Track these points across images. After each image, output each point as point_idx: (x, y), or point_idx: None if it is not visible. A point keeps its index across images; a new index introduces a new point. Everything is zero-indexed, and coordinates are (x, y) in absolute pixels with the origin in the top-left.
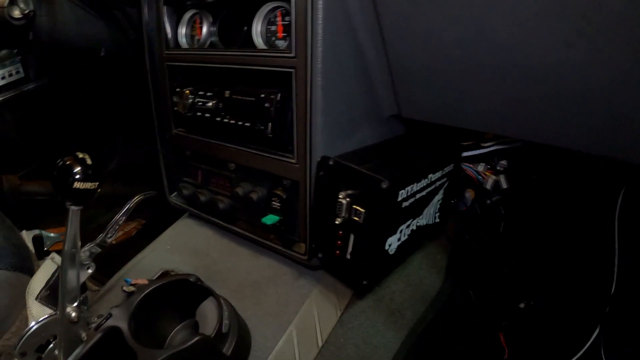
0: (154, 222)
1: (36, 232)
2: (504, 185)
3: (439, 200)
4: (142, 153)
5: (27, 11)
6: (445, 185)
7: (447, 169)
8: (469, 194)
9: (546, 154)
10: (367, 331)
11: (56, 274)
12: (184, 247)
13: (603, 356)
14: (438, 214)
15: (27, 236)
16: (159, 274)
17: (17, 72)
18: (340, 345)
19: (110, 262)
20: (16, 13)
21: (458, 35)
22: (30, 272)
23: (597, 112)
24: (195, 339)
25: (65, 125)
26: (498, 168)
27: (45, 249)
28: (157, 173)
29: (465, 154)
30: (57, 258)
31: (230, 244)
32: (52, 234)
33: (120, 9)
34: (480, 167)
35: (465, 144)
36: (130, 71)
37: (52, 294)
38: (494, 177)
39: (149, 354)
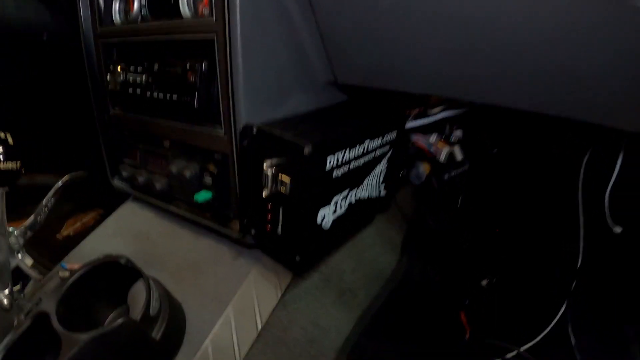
0: (111, 210)
1: None
2: (459, 157)
3: (381, 171)
4: (84, 137)
5: None
6: (389, 154)
7: (388, 137)
8: (423, 168)
9: (503, 123)
10: (315, 312)
11: None
12: (126, 231)
13: (571, 332)
14: (383, 185)
15: None
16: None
17: None
18: (284, 328)
19: (67, 254)
20: None
21: None
22: None
23: (542, 66)
24: (119, 321)
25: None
26: (452, 139)
27: None
28: (99, 156)
29: (411, 124)
30: None
31: (172, 226)
32: (10, 229)
33: None
34: (433, 138)
35: (411, 112)
36: (69, 53)
37: None
38: (447, 148)
39: (72, 338)
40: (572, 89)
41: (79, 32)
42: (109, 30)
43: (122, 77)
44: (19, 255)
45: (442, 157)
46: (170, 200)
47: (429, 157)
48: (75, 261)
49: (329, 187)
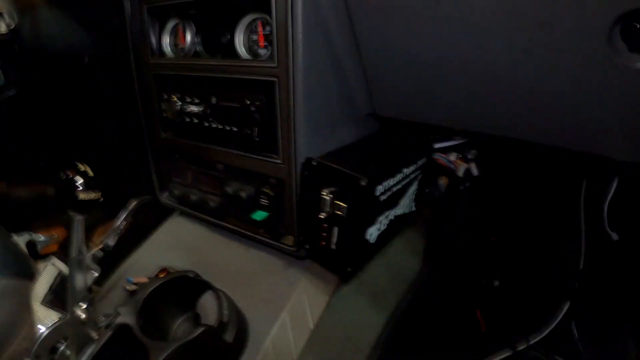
0: (140, 220)
1: (25, 234)
2: (475, 172)
3: (414, 191)
4: (130, 156)
5: (13, 26)
6: (419, 177)
7: (420, 162)
8: (443, 182)
9: (512, 144)
10: (353, 313)
11: (58, 278)
12: (177, 244)
13: (574, 328)
14: (414, 203)
15: (17, 240)
16: (157, 271)
17: None
18: (329, 327)
19: (105, 262)
20: (2, 28)
21: (428, 45)
22: (31, 277)
23: (552, 110)
24: (201, 329)
25: (51, 130)
26: (469, 157)
27: (38, 252)
28: (147, 175)
29: (437, 145)
30: (58, 262)
31: (221, 239)
32: (42, 238)
33: (105, 18)
34: (452, 157)
35: (435, 137)
36: (114, 77)
37: (56, 297)
38: (465, 165)
39: (159, 347)
40: (578, 127)
41: (126, 58)
42: (161, 63)
43: (178, 106)
44: (94, 275)
45: (461, 172)
46: (221, 217)
47: (448, 172)
48: (132, 273)
49: (376, 210)
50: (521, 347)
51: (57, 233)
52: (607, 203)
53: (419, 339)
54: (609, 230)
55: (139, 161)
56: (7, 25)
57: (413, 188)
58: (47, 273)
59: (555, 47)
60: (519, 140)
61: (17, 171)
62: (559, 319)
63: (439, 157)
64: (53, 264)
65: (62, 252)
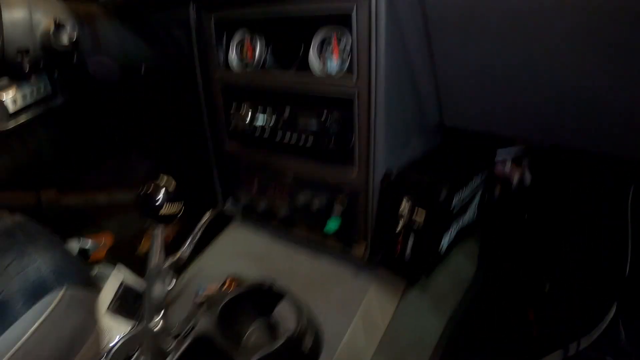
0: (186, 226)
1: (74, 241)
2: (528, 179)
3: (477, 201)
4: (193, 165)
5: (74, 39)
6: (483, 186)
7: (485, 174)
8: (497, 189)
9: (562, 153)
10: (417, 318)
11: (122, 286)
12: (242, 252)
13: (622, 330)
14: (476, 212)
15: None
16: (225, 279)
17: (45, 88)
18: (397, 332)
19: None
20: (64, 40)
21: (503, 62)
22: (93, 285)
23: (623, 124)
24: (284, 338)
25: (100, 138)
26: (523, 165)
27: (87, 259)
28: (210, 183)
29: (498, 157)
30: (123, 269)
31: (287, 248)
32: (88, 243)
33: (168, 30)
34: (508, 166)
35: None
36: (173, 88)
37: (122, 305)
38: (519, 173)
39: (245, 355)
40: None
41: (188, 69)
42: (231, 75)
43: (248, 118)
44: (172, 284)
45: (515, 180)
46: (290, 226)
47: (502, 180)
48: (197, 281)
49: (450, 219)
50: (572, 351)
51: (104, 238)
52: None
53: (475, 341)
54: None
55: (204, 171)
56: (69, 38)
57: (477, 198)
58: (112, 282)
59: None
60: (577, 150)
61: (69, 179)
62: (607, 322)
63: (496, 165)
64: (117, 273)
65: (109, 258)
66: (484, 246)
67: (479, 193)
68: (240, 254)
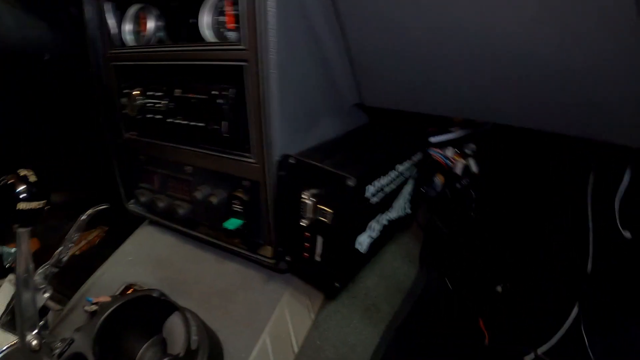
0: (117, 228)
1: None
2: (474, 169)
3: (409, 191)
4: (93, 160)
5: None
6: (415, 175)
7: (415, 158)
8: (438, 180)
9: (514, 137)
10: (344, 330)
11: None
12: (146, 257)
13: (584, 334)
14: (409, 204)
15: None
16: (121, 288)
17: None
18: (317, 348)
19: (75, 275)
20: None
21: (422, 18)
22: None
23: (566, 94)
24: (168, 358)
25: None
26: (467, 152)
27: (7, 265)
28: (112, 180)
29: (433, 139)
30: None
31: (194, 251)
32: (12, 250)
33: (61, 8)
34: (449, 152)
35: (431, 129)
36: (76, 74)
37: (13, 319)
38: (463, 161)
39: None
40: (590, 113)
41: (87, 53)
42: (122, 53)
43: (139, 101)
44: (45, 295)
45: (459, 169)
46: (193, 226)
47: (445, 169)
48: (96, 291)
49: (367, 214)
50: (529, 358)
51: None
52: (618, 198)
53: (417, 353)
54: (621, 227)
55: (103, 166)
56: None
57: (408, 187)
58: (3, 291)
59: (572, 14)
60: (522, 129)
61: None
62: (568, 325)
63: (434, 153)
64: (10, 281)
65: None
66: (426, 246)
67: (411, 183)
68: (144, 259)
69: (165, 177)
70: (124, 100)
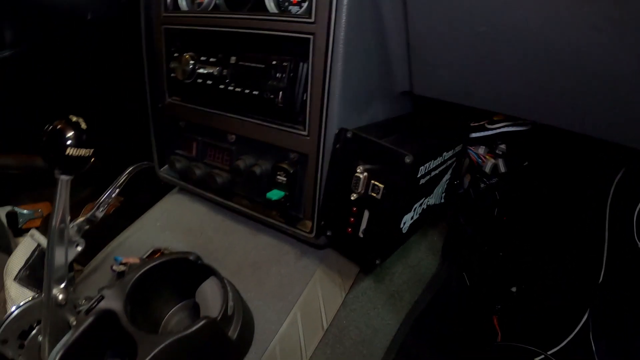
0: (134, 197)
1: (8, 208)
2: (502, 169)
3: (446, 180)
4: (130, 123)
5: None
6: (454, 165)
7: (457, 149)
8: (466, 177)
9: (544, 141)
10: (368, 313)
11: (36, 253)
12: (175, 224)
13: (592, 340)
14: (444, 194)
15: None
16: (149, 252)
17: None
18: (343, 328)
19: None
20: None
21: (485, 11)
22: (8, 250)
23: (617, 99)
24: (202, 322)
25: (45, 94)
26: (497, 152)
27: (19, 226)
28: (147, 145)
29: (472, 135)
30: (37, 235)
31: (227, 221)
32: (25, 211)
33: None
34: (481, 150)
35: (473, 124)
36: (120, 36)
37: (32, 274)
38: (493, 160)
39: (150, 340)
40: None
41: (136, 14)
42: (177, 17)
43: (191, 65)
44: (78, 249)
45: (488, 168)
46: (228, 196)
47: (475, 166)
48: (122, 252)
49: (415, 195)
50: (538, 358)
51: (42, 208)
52: (638, 209)
53: (433, 344)
54: (637, 240)
55: (140, 129)
56: None
57: (447, 177)
58: (24, 246)
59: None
60: (554, 136)
61: (7, 140)
62: (577, 330)
63: (468, 150)
64: (32, 236)
65: (45, 228)
66: (449, 240)
67: (449, 172)
68: (173, 225)
69: (205, 145)
70: (174, 64)
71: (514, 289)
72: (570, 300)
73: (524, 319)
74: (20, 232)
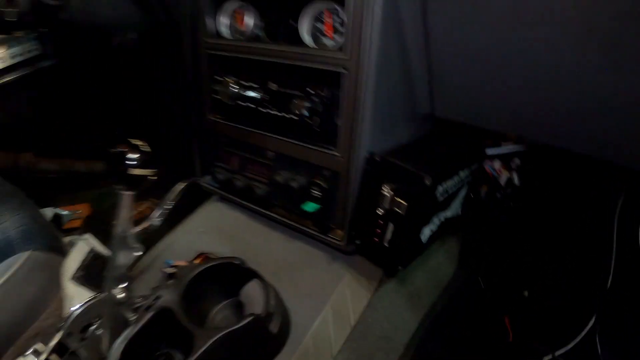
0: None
1: (49, 209)
2: (516, 181)
3: (463, 195)
4: (176, 137)
5: None
6: (470, 182)
7: (473, 167)
8: (483, 189)
9: (555, 158)
10: (391, 313)
11: (90, 255)
12: (216, 229)
13: (598, 344)
14: (460, 206)
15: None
16: (196, 256)
17: (34, 49)
18: (368, 325)
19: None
20: None
21: (501, 50)
22: (62, 252)
23: (619, 126)
24: (249, 318)
25: (84, 104)
26: (512, 166)
27: (61, 227)
28: (188, 157)
29: (489, 151)
30: (91, 239)
31: (263, 228)
32: (65, 212)
33: None
34: (497, 164)
35: (488, 142)
36: (161, 57)
37: (87, 275)
38: (507, 173)
39: (205, 333)
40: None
41: (175, 37)
42: (220, 44)
43: (234, 89)
44: (138, 254)
45: (503, 180)
46: (267, 205)
47: (491, 179)
48: (168, 256)
49: (433, 210)
50: (547, 358)
51: (81, 209)
52: None
53: (448, 341)
54: None
55: (183, 143)
56: None
57: (463, 192)
58: (79, 249)
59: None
60: (570, 152)
61: (48, 145)
62: (584, 333)
63: (484, 163)
64: (86, 240)
65: (85, 228)
66: (465, 246)
67: (465, 188)
68: (214, 231)
69: (245, 159)
70: (217, 86)
71: (525, 293)
72: (578, 304)
73: (534, 320)
74: (63, 232)
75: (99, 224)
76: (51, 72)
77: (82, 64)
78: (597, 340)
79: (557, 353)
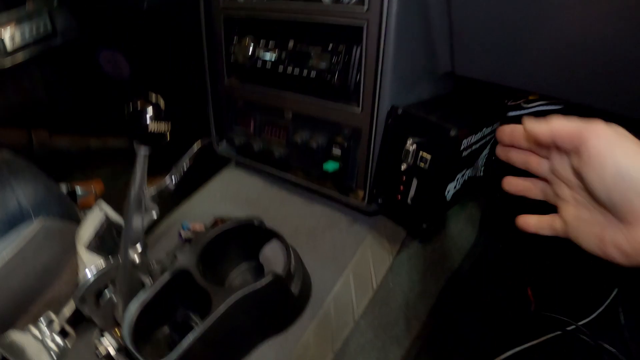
0: (193, 169)
1: (63, 185)
2: None
3: (485, 155)
4: (190, 102)
5: None
6: (492, 141)
7: (495, 126)
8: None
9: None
10: (412, 278)
11: (105, 223)
12: (233, 195)
13: (621, 313)
14: (483, 168)
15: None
16: (214, 221)
17: (45, 27)
18: (390, 290)
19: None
20: None
21: (525, 7)
22: (77, 220)
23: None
24: (270, 277)
25: (96, 81)
26: None
27: (76, 201)
28: (204, 122)
29: (510, 113)
30: (105, 207)
31: (281, 193)
32: (80, 190)
33: None
34: None
35: (510, 103)
36: (175, 23)
37: (101, 243)
38: None
39: (222, 292)
40: None
41: (192, 2)
42: (237, 5)
43: (250, 51)
44: (154, 215)
45: None
46: (285, 168)
47: None
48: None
49: (458, 165)
50: (569, 328)
51: (94, 184)
52: None
53: (470, 309)
54: None
55: (198, 108)
56: None
57: (486, 151)
58: (94, 217)
59: None
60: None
61: (62, 122)
62: (606, 304)
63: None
64: (100, 208)
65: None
66: (486, 213)
67: (488, 147)
68: (231, 197)
69: (263, 121)
70: (234, 48)
71: (548, 263)
72: (601, 274)
73: (557, 291)
74: None
75: (113, 202)
76: (61, 51)
77: (91, 42)
78: (620, 310)
79: (580, 323)
